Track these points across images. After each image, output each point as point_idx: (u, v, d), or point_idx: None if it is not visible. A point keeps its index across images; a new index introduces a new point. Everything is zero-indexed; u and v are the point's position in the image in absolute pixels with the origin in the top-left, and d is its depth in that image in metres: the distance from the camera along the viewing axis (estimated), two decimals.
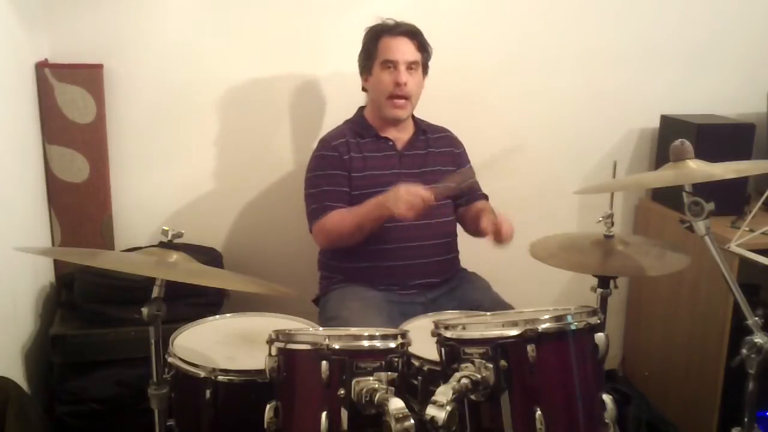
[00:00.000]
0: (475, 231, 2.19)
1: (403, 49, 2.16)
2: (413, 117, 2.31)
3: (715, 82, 2.82)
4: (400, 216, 1.91)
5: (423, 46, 2.20)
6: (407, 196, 1.91)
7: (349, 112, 2.37)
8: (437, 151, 2.28)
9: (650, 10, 2.72)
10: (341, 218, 2.09)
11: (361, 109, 2.32)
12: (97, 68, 2.32)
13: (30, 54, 2.23)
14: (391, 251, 2.14)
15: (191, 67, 2.42)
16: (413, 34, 2.18)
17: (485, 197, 2.35)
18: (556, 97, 2.72)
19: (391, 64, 2.15)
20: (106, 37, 2.34)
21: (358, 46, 2.28)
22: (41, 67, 2.25)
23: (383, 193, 2.00)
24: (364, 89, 2.29)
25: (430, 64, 2.26)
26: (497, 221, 2.03)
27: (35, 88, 2.25)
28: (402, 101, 2.16)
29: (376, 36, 2.19)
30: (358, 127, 2.26)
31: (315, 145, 2.31)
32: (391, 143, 2.24)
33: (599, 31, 2.70)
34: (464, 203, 2.30)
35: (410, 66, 2.16)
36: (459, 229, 2.33)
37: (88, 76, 2.29)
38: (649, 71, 2.77)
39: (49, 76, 2.25)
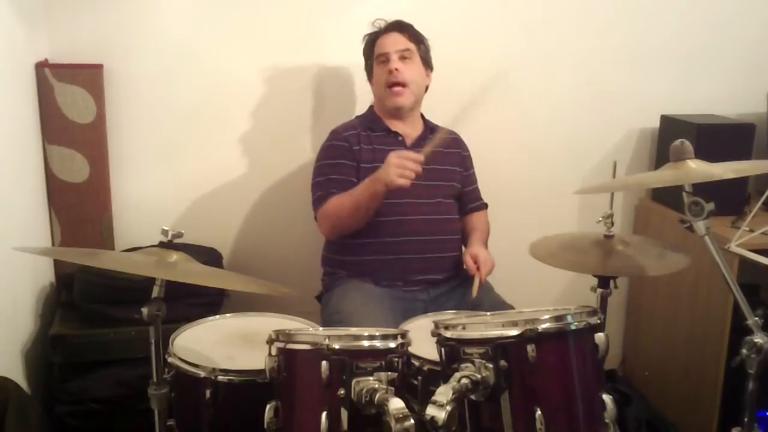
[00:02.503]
0: (464, 245, 2.31)
1: (392, 40, 2.23)
2: (423, 117, 2.33)
3: (715, 82, 2.82)
4: (393, 184, 1.92)
5: (415, 37, 2.25)
6: (396, 161, 1.92)
7: (351, 110, 2.37)
8: (445, 151, 2.29)
9: (650, 11, 2.73)
10: (341, 201, 2.11)
11: (372, 106, 2.35)
12: (97, 68, 2.32)
13: (30, 54, 2.23)
14: (396, 245, 2.15)
15: (191, 67, 2.42)
16: (401, 26, 2.25)
17: (485, 206, 2.40)
18: (556, 97, 2.73)
19: (383, 58, 2.21)
20: (106, 37, 2.34)
21: (358, 44, 2.31)
22: (41, 67, 2.25)
23: None
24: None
25: None
26: (476, 259, 2.12)
27: (35, 88, 2.25)
28: (399, 88, 2.20)
29: (372, 41, 2.28)
30: (369, 121, 2.29)
31: (316, 144, 2.31)
32: (400, 138, 2.26)
33: (599, 31, 2.70)
34: (464, 213, 2.34)
35: (403, 55, 2.21)
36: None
37: (88, 76, 2.30)
38: (649, 71, 2.77)
39: (49, 76, 2.25)
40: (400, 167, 1.91)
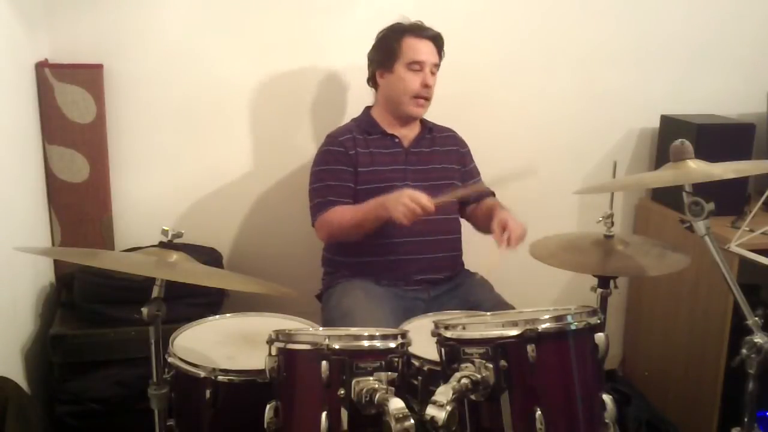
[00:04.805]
0: (487, 228, 2.16)
1: (430, 51, 2.20)
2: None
3: (715, 82, 2.82)
4: (397, 220, 1.91)
5: (441, 53, 2.25)
6: (408, 201, 1.90)
7: (351, 110, 2.37)
8: (443, 150, 2.29)
9: (650, 10, 2.73)
10: (342, 214, 2.11)
11: (367, 108, 2.33)
12: (97, 68, 2.32)
13: (30, 54, 2.23)
14: (395, 246, 2.15)
15: (191, 67, 2.42)
16: (437, 40, 2.23)
17: (492, 194, 2.36)
18: (557, 97, 2.73)
19: (418, 66, 2.18)
20: (106, 37, 2.34)
21: (359, 45, 2.29)
22: (41, 67, 2.25)
23: (388, 188, 2.02)
24: (371, 85, 2.30)
25: None
26: (506, 224, 1.97)
27: (35, 88, 2.25)
28: (423, 101, 2.20)
29: (400, 34, 2.20)
30: (365, 124, 2.27)
31: (316, 144, 2.31)
32: (397, 140, 2.25)
33: (599, 31, 2.70)
34: (473, 201, 2.31)
35: (432, 70, 2.21)
36: (465, 228, 2.33)
37: (88, 76, 2.29)
38: (649, 71, 2.77)
39: (49, 76, 2.25)
40: (409, 209, 1.90)
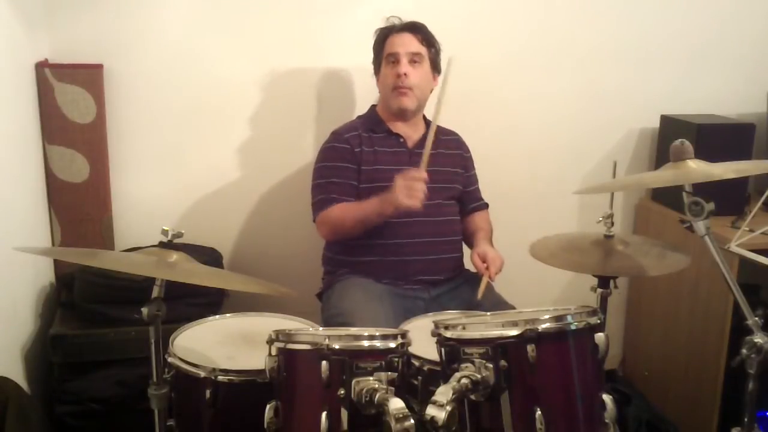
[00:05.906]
0: (469, 244, 2.30)
1: (404, 42, 2.20)
2: (424, 118, 2.33)
3: (715, 82, 2.82)
4: (403, 205, 1.93)
5: (428, 41, 2.23)
6: (402, 183, 1.93)
7: (350, 110, 2.36)
8: (446, 152, 2.29)
9: (650, 10, 2.73)
10: (345, 210, 2.12)
11: (373, 106, 2.35)
12: (97, 68, 2.32)
13: (30, 54, 2.23)
14: (397, 246, 2.16)
15: (191, 67, 2.42)
16: (415, 28, 2.22)
17: (486, 206, 2.39)
18: (557, 97, 2.73)
19: (393, 58, 2.20)
20: (106, 37, 2.34)
21: (358, 45, 2.31)
22: (41, 67, 2.25)
23: (390, 188, 2.01)
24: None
25: None
26: (485, 257, 2.10)
27: (35, 88, 2.25)
28: (405, 90, 2.19)
29: (384, 36, 2.25)
30: (371, 122, 2.28)
31: (315, 144, 2.31)
32: (402, 140, 2.25)
33: (599, 31, 2.70)
34: (465, 212, 2.34)
35: (413, 58, 2.19)
36: None
37: (88, 76, 2.29)
38: (649, 71, 2.77)
39: (49, 76, 2.25)
40: (408, 188, 1.92)
